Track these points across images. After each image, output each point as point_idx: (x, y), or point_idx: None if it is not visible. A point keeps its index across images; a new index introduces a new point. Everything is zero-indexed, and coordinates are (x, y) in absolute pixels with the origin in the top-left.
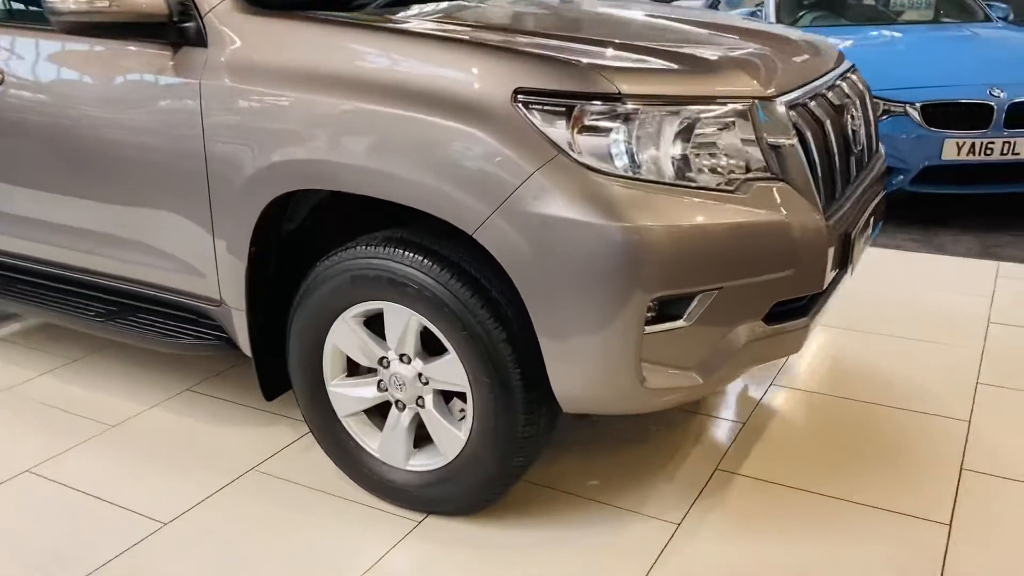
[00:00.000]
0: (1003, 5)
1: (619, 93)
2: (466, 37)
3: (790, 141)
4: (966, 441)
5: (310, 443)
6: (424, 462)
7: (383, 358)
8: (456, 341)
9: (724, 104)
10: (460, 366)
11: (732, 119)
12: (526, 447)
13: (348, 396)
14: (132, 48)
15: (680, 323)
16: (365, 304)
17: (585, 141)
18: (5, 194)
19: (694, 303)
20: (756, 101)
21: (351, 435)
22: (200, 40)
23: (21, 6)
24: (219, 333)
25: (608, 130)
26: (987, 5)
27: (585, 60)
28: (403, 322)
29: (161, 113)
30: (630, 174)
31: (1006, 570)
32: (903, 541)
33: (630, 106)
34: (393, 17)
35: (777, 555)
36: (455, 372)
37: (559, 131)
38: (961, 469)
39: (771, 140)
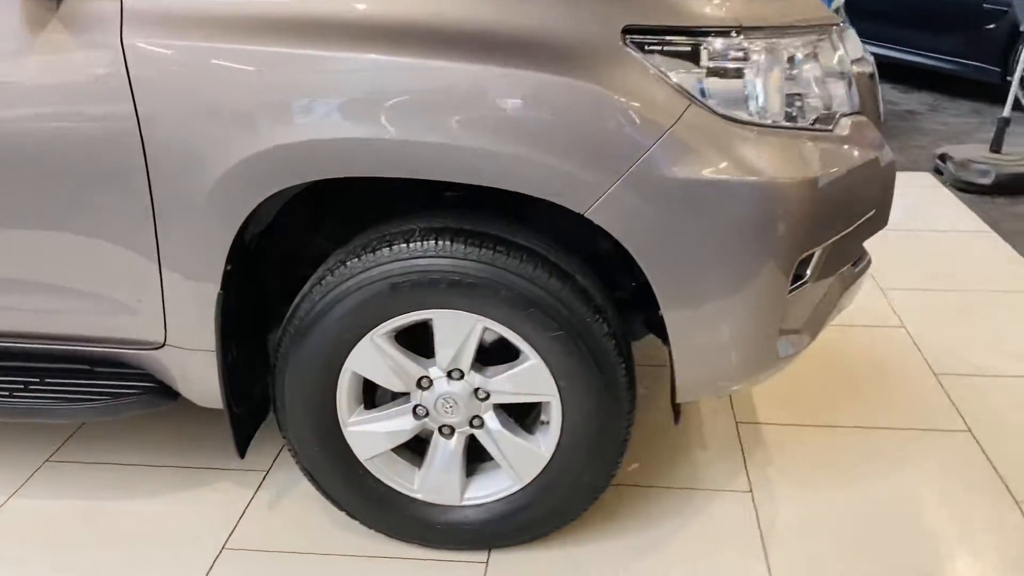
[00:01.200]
0: None
1: (742, 25)
2: None
3: (860, 68)
4: (918, 348)
5: (275, 496)
6: (485, 492)
7: (423, 378)
8: (541, 343)
9: (817, 31)
10: (545, 371)
11: (824, 47)
12: (625, 448)
13: (375, 433)
14: None
15: (806, 281)
16: (406, 316)
17: (717, 85)
18: None
19: (815, 257)
20: (834, 25)
21: (379, 479)
22: None
23: None
24: (145, 383)
25: (738, 71)
26: None
27: None
28: (464, 331)
29: (54, 93)
30: (766, 121)
31: None
32: (942, 453)
33: (754, 40)
34: None
35: (851, 493)
36: (537, 380)
37: (688, 76)
38: (936, 375)
39: (846, 69)
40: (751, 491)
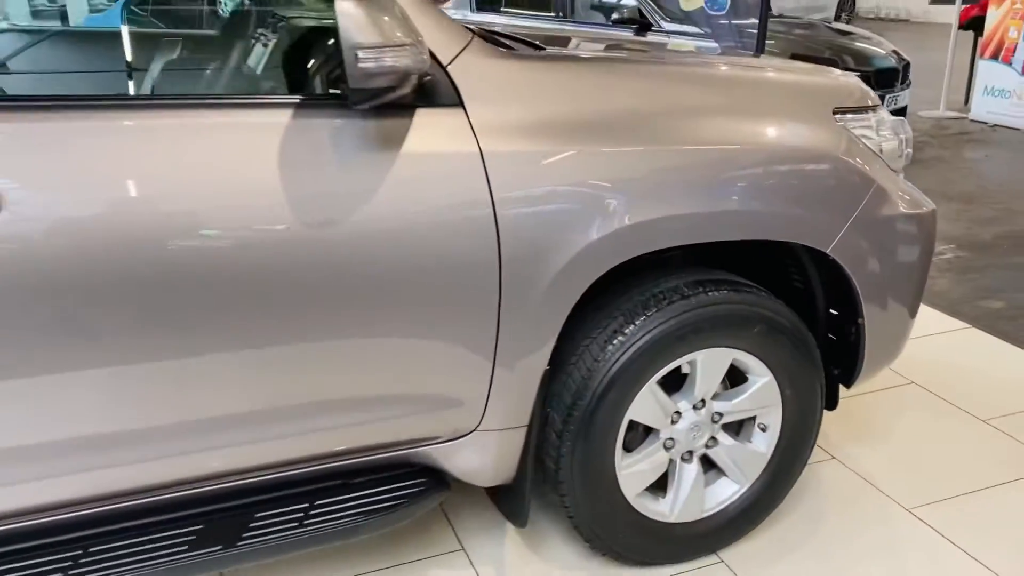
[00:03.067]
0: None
1: (880, 103)
2: (772, 67)
3: None
4: None
5: (496, 565)
6: (717, 501)
7: (675, 413)
8: (777, 363)
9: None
10: (775, 386)
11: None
12: (819, 431)
13: (640, 472)
14: (329, 118)
15: None
16: (678, 360)
17: (883, 145)
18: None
19: None
20: None
21: (643, 515)
22: (447, 98)
23: None
24: (416, 481)
25: (890, 134)
26: None
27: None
28: (722, 365)
29: (403, 204)
30: (898, 168)
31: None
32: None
33: (880, 110)
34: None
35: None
36: (770, 394)
37: (872, 139)
38: None
39: None
40: (912, 509)
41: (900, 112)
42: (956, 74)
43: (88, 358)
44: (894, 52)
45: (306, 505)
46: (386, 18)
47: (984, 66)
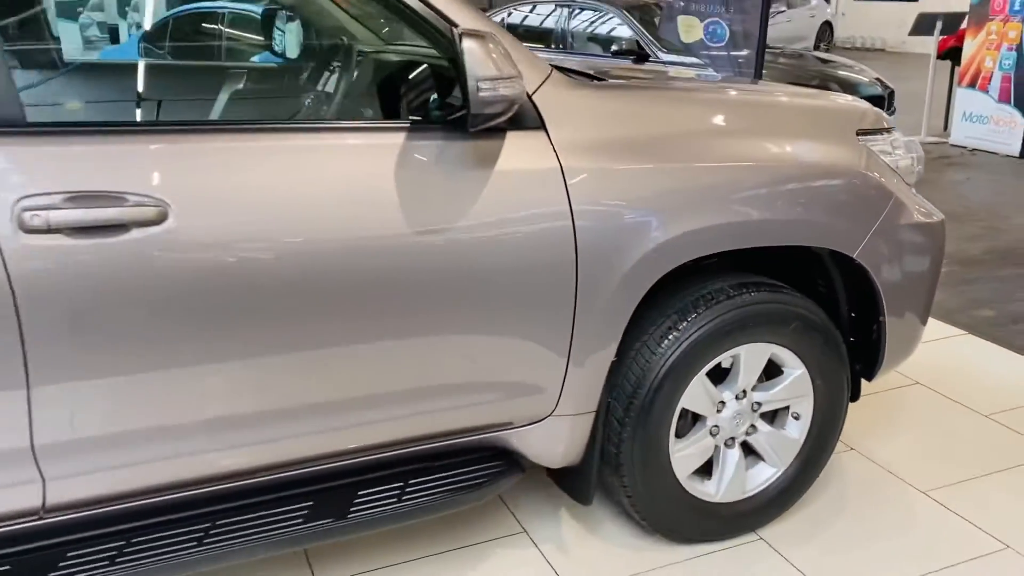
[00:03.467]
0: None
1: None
2: (803, 95)
3: None
4: None
5: (558, 542)
6: (756, 483)
7: (720, 403)
8: (810, 357)
9: None
10: (807, 377)
11: None
12: (845, 418)
13: (689, 456)
14: (430, 139)
15: None
16: (725, 354)
17: (899, 162)
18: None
19: None
20: None
21: (693, 495)
22: (532, 120)
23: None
24: (493, 463)
25: (904, 152)
26: None
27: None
28: (762, 358)
29: (498, 212)
30: (912, 183)
31: None
32: None
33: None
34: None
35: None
36: (803, 385)
37: (889, 157)
38: None
39: None
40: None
41: None
42: (935, 101)
43: (236, 350)
44: (878, 80)
45: (401, 483)
46: (497, 54)
47: (962, 94)
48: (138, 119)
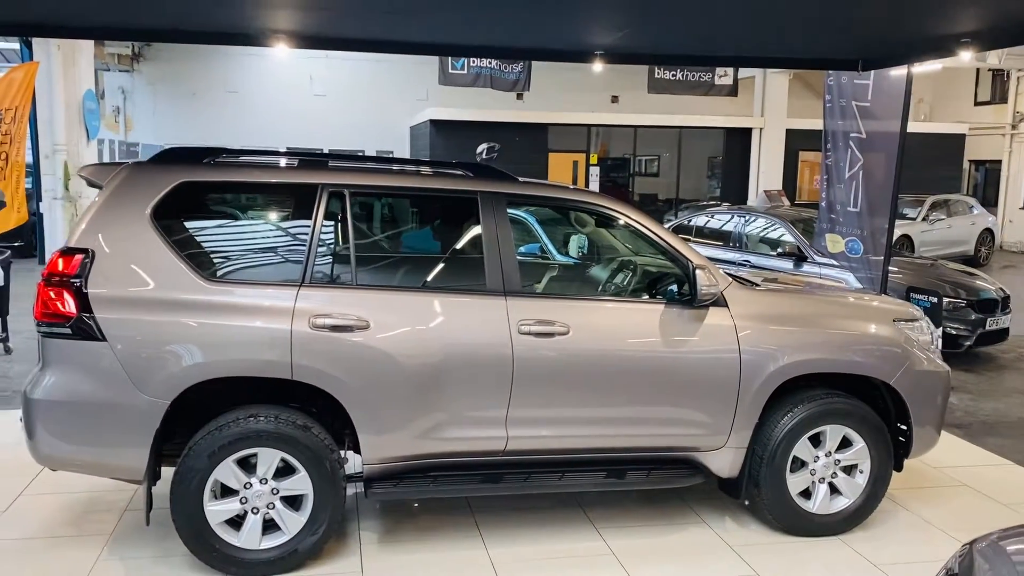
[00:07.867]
0: None
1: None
2: (869, 298)
3: None
4: None
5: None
6: (836, 507)
7: (815, 456)
8: (867, 435)
9: None
10: (866, 448)
11: None
12: (892, 471)
13: (796, 483)
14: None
15: None
16: (817, 428)
17: (920, 337)
18: (573, 410)
19: None
20: None
21: (799, 506)
22: (723, 303)
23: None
24: (691, 468)
25: (923, 331)
26: None
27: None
28: (839, 434)
29: (706, 344)
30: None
31: None
32: None
33: None
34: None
35: None
36: (862, 453)
37: (915, 334)
38: None
39: None
40: None
41: (1002, 333)
42: None
43: (595, 394)
44: (1000, 289)
45: (649, 467)
46: (709, 275)
47: None
48: (565, 292)
